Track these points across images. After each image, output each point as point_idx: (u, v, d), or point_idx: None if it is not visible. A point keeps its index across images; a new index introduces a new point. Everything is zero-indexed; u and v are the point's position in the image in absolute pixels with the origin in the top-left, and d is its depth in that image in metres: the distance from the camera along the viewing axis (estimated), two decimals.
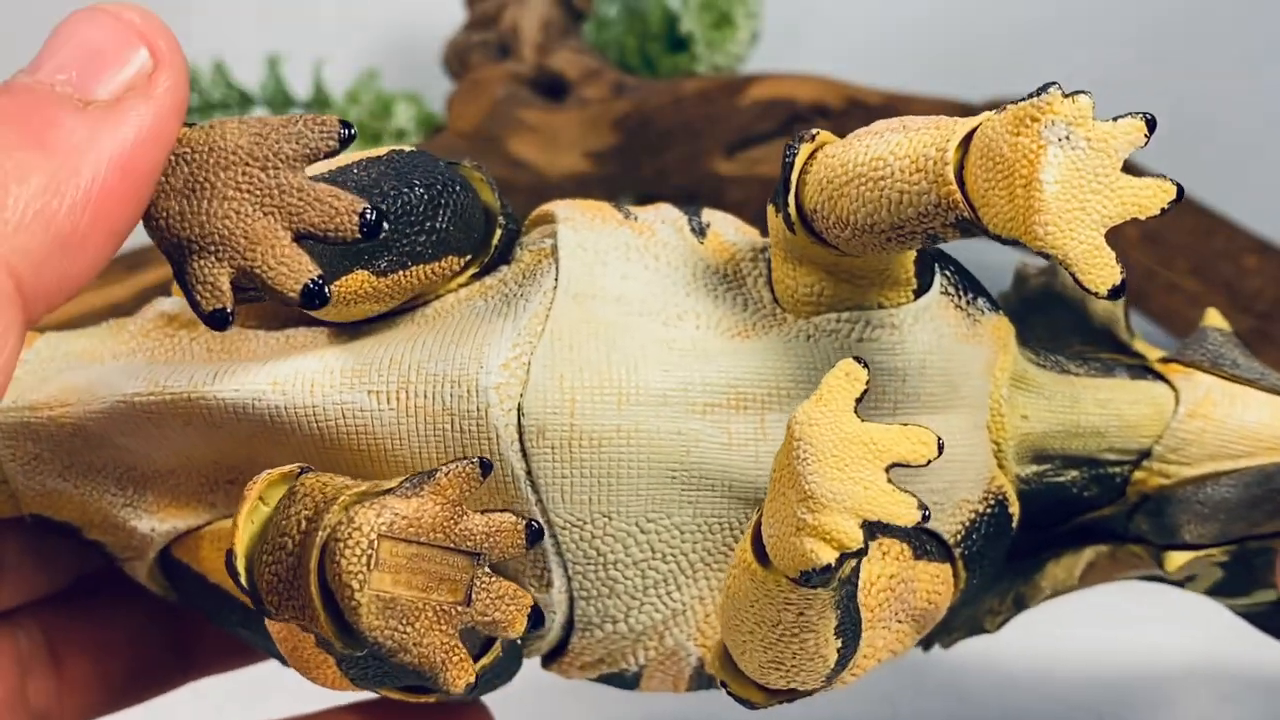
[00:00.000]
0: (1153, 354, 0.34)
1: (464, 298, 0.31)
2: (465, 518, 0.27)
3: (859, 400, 0.26)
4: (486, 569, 0.27)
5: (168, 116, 0.24)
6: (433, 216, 0.29)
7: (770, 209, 0.30)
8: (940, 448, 0.26)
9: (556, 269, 0.31)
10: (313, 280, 0.25)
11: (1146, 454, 0.33)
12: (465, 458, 0.28)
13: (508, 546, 0.27)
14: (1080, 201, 0.25)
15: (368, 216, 0.25)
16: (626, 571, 0.30)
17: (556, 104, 0.66)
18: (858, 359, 0.27)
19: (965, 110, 0.64)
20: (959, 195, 0.26)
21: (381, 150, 0.30)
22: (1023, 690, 0.46)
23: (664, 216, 0.33)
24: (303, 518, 0.26)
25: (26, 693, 0.33)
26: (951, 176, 0.26)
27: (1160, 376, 0.33)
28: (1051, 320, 0.34)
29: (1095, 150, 0.25)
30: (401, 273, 0.29)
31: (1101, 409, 0.32)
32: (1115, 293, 0.25)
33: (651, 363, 0.29)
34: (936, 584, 0.31)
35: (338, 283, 0.28)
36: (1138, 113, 0.25)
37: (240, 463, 0.30)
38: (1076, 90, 0.25)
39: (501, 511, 0.27)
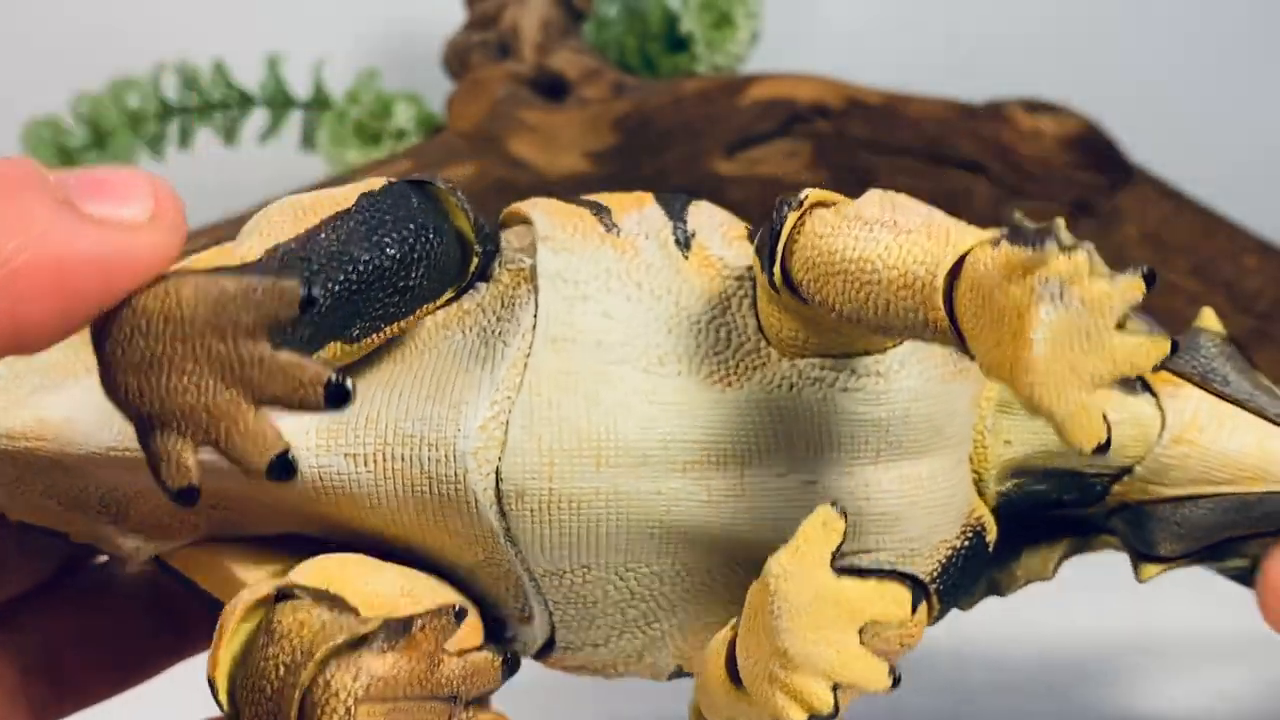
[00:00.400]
0: None
1: (441, 323, 0.30)
2: (441, 665, 0.27)
3: (836, 552, 0.26)
4: (464, 706, 0.27)
5: (134, 264, 0.23)
6: (405, 276, 0.28)
7: (755, 260, 0.29)
8: (914, 605, 0.26)
9: (535, 303, 0.30)
10: (278, 455, 0.25)
11: (1128, 470, 0.32)
12: (441, 608, 0.28)
13: (485, 685, 0.27)
14: (1070, 362, 0.24)
15: (333, 384, 0.24)
16: (606, 609, 0.30)
17: (556, 104, 0.66)
18: (834, 503, 0.26)
19: (965, 110, 0.64)
20: (947, 323, 0.25)
21: (351, 196, 0.28)
22: (1025, 691, 0.46)
23: (647, 227, 0.31)
24: (280, 664, 0.26)
25: (27, 689, 0.33)
26: (940, 303, 0.25)
27: (1148, 386, 0.33)
28: None
29: (1089, 309, 0.24)
30: (375, 335, 0.28)
31: None
32: (1100, 450, 0.24)
33: (632, 419, 0.29)
34: (909, 628, 0.31)
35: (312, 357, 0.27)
36: (1137, 268, 0.24)
37: (223, 496, 0.30)
38: (1075, 244, 0.24)
39: (478, 650, 0.28)
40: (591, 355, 0.29)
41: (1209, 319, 0.34)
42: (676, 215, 0.31)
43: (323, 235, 0.27)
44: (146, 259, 0.23)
